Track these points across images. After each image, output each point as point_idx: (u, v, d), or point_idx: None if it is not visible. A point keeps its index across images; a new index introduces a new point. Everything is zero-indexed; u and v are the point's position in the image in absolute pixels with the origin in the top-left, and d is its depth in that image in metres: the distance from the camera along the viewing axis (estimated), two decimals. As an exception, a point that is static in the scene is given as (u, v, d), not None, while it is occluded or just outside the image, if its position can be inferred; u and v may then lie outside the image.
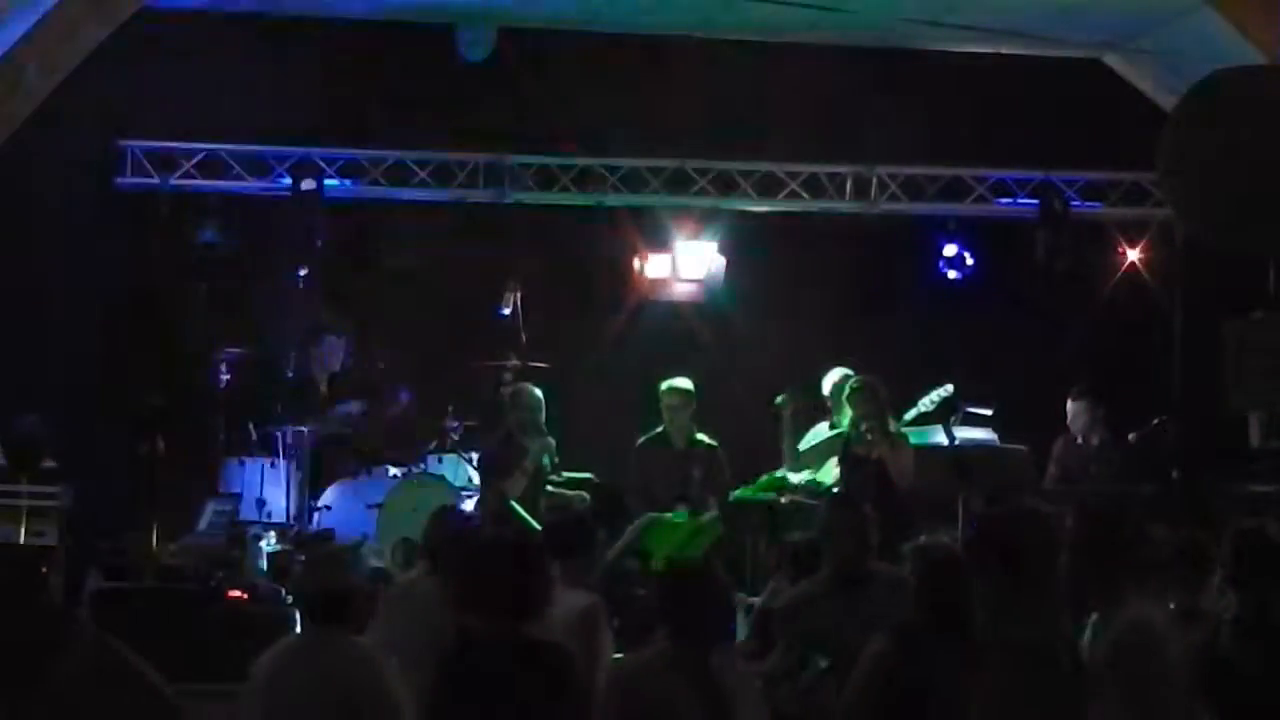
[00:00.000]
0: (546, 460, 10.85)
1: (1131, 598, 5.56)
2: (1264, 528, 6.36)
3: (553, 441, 10.91)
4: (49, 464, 10.68)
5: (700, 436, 11.05)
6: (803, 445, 11.29)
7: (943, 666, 5.57)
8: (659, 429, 11.03)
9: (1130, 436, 11.67)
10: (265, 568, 10.22)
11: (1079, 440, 11.69)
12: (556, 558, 7.01)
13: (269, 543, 10.68)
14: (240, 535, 10.35)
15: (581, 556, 7.07)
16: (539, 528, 10.24)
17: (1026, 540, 5.35)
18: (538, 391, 10.93)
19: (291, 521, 11.10)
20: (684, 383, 11.05)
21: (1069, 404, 11.66)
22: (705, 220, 12.91)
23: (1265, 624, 5.99)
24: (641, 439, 11.03)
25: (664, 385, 11.04)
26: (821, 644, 6.74)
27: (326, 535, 10.49)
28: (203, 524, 10.87)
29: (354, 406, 11.81)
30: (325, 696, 5.64)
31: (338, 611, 5.93)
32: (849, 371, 11.01)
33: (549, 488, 10.84)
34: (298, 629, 6.22)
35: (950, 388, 11.11)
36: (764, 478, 10.98)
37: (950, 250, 13.06)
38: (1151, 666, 5.43)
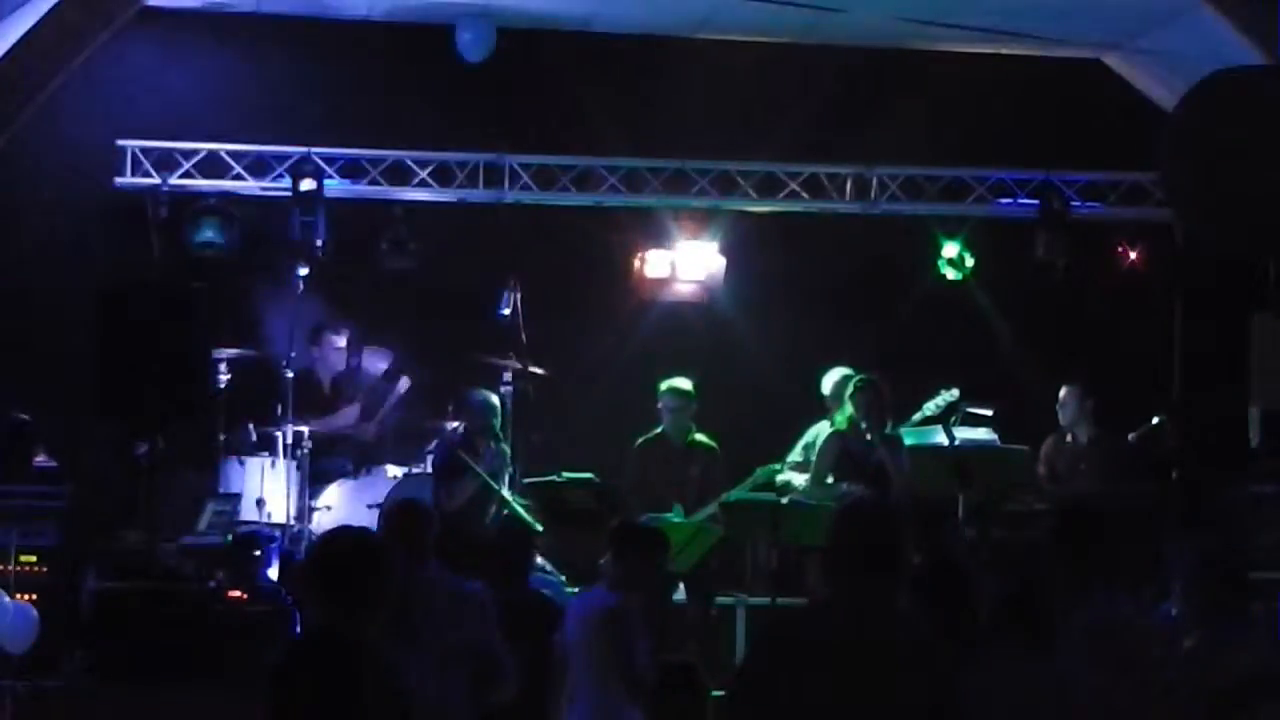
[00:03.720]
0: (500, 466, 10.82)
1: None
2: None
3: (507, 449, 10.92)
4: (48, 464, 10.70)
5: (699, 437, 11.04)
6: (801, 444, 11.30)
7: None
8: (658, 429, 11.04)
9: (1130, 436, 11.67)
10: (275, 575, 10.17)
11: (1068, 438, 11.69)
12: (618, 559, 7.10)
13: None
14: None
15: (640, 558, 7.14)
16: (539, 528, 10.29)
17: None
18: (494, 398, 10.96)
19: (292, 522, 11.10)
20: (683, 383, 11.03)
21: (1061, 391, 11.70)
22: (705, 220, 12.90)
23: None
24: (640, 439, 11.04)
25: (663, 385, 11.04)
26: None
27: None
28: (203, 524, 10.87)
29: (354, 406, 11.84)
30: None
31: None
32: (849, 371, 11.02)
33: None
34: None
35: (956, 392, 11.11)
36: (758, 470, 10.92)
37: (950, 250, 13.05)
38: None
